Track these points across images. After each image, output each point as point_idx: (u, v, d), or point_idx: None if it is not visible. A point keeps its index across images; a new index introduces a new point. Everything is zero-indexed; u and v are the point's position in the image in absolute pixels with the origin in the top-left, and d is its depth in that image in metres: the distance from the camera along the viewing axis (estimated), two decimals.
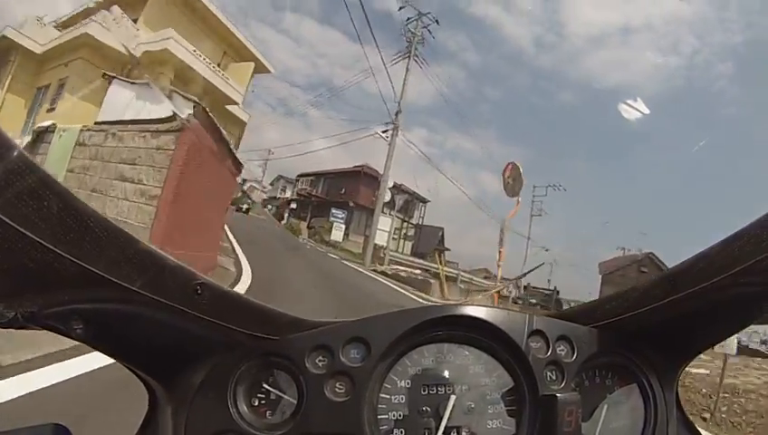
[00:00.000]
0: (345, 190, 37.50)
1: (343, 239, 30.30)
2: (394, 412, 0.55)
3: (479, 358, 0.60)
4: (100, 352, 0.44)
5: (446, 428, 0.54)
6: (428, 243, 40.50)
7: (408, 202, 38.65)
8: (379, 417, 0.54)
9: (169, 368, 0.51)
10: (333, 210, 30.82)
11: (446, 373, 0.58)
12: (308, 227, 35.76)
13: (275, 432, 0.52)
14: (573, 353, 0.60)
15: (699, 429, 0.65)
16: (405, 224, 38.40)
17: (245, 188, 68.64)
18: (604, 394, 0.62)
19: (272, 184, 57.74)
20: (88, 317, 0.39)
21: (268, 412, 0.54)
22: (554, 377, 0.58)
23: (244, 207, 36.46)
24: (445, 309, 0.58)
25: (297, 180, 44.38)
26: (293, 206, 42.36)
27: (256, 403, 0.54)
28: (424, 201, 41.64)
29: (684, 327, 0.58)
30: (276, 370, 0.55)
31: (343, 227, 30.33)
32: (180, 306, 0.42)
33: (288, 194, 47.45)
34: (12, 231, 0.29)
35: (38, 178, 0.30)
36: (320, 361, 0.54)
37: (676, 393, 0.63)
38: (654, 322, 0.57)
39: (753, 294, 0.48)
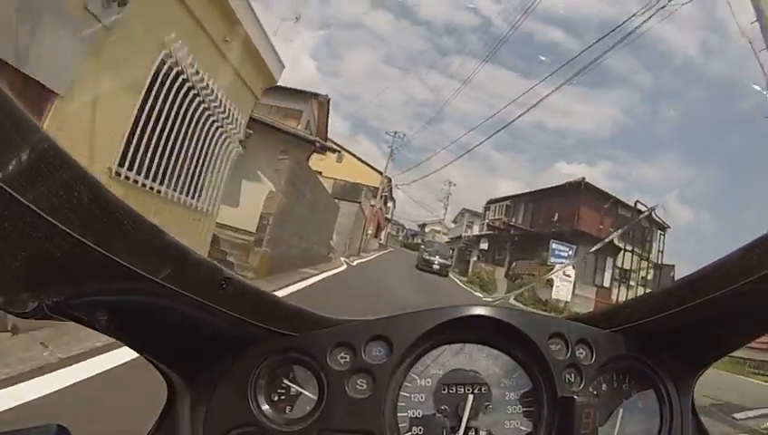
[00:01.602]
0: (559, 216, 25.11)
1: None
2: (414, 411, 0.56)
3: (499, 359, 0.60)
4: (123, 343, 0.44)
5: (464, 427, 0.55)
6: None
7: (645, 230, 24.04)
8: (398, 415, 0.55)
9: (190, 361, 0.51)
10: (555, 246, 18.72)
11: (466, 373, 0.58)
12: (507, 276, 24.25)
13: (295, 427, 0.52)
14: (592, 357, 0.59)
15: None
16: (642, 263, 23.79)
17: (427, 230, 61.85)
18: (621, 398, 0.62)
19: (455, 221, 48.05)
20: (112, 308, 0.39)
21: (288, 408, 0.54)
22: (573, 380, 0.58)
23: (435, 261, 24.39)
24: (466, 309, 0.58)
25: (487, 209, 33.23)
26: (484, 246, 31.17)
27: (276, 398, 0.55)
28: (663, 228, 25.96)
29: (702, 334, 0.57)
30: (297, 366, 0.55)
31: (572, 274, 17.86)
32: (204, 300, 0.42)
33: (476, 230, 36.63)
34: (41, 221, 0.29)
35: (70, 170, 0.30)
36: (342, 358, 0.54)
37: (692, 400, 0.63)
38: (672, 327, 0.57)
39: None
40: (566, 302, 17.31)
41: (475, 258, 31.40)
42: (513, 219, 28.86)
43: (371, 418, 0.53)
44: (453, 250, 33.23)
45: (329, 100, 22.80)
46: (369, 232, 32.46)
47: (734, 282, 0.46)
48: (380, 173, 35.45)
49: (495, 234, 29.59)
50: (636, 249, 22.75)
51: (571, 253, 18.59)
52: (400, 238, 67.03)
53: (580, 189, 24.33)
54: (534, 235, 25.20)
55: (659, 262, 24.35)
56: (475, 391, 0.58)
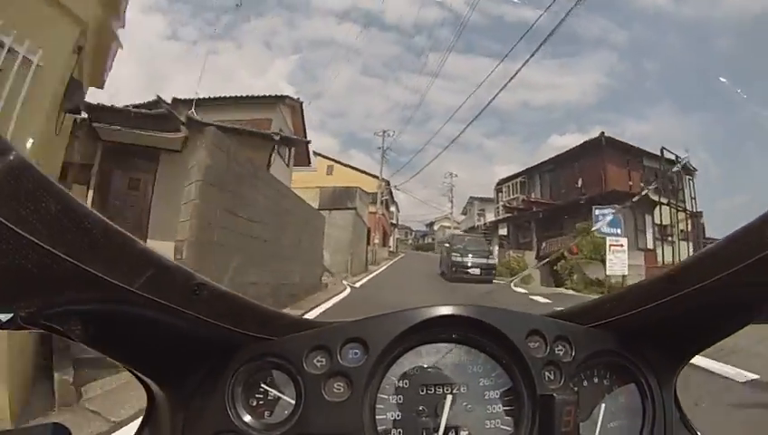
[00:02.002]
0: (583, 181, 22.03)
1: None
2: (392, 413, 0.56)
3: (477, 358, 0.59)
4: (99, 352, 0.44)
5: (444, 428, 0.55)
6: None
7: (674, 178, 21.07)
8: (377, 417, 0.55)
9: (168, 369, 0.51)
10: (597, 212, 15.35)
11: (444, 374, 0.58)
12: (539, 259, 21.12)
13: (273, 433, 0.52)
14: (571, 353, 0.59)
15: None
16: (677, 213, 20.85)
17: (436, 229, 58.79)
18: (602, 394, 0.62)
19: (464, 213, 44.99)
20: (86, 318, 0.39)
21: (266, 413, 0.54)
22: (552, 377, 0.58)
23: (469, 262, 16.16)
24: (443, 309, 0.58)
25: (498, 190, 30.07)
26: (503, 231, 27.99)
27: (255, 404, 0.54)
28: (691, 172, 22.80)
29: (683, 327, 0.57)
30: (274, 370, 0.55)
31: (624, 243, 14.66)
32: (178, 307, 0.42)
33: (491, 217, 33.48)
34: (9, 232, 0.29)
35: (35, 180, 0.30)
36: (318, 361, 0.54)
37: (675, 393, 0.63)
38: (653, 321, 0.57)
39: (753, 292, 0.47)
40: (624, 276, 14.11)
41: (496, 247, 28.20)
42: (532, 195, 25.78)
43: (349, 421, 0.52)
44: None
45: (301, 103, 20.05)
46: (376, 241, 29.76)
47: (714, 274, 0.45)
48: (376, 177, 32.96)
49: (515, 215, 26.44)
50: (671, 200, 19.80)
51: (614, 213, 15.28)
52: (410, 242, 64.13)
53: (601, 146, 21.27)
54: (561, 207, 22.09)
55: (694, 209, 21.29)
56: (454, 391, 0.57)
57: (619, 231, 14.82)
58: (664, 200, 20.13)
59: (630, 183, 21.36)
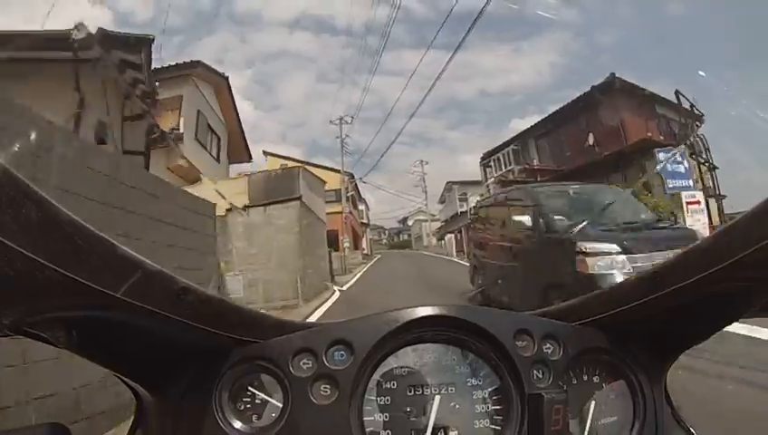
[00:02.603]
0: (595, 137, 17.54)
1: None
2: (380, 414, 0.56)
3: (465, 358, 0.60)
4: (86, 358, 0.44)
5: (432, 428, 0.55)
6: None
7: (689, 126, 16.82)
8: (364, 419, 0.55)
9: (155, 374, 0.51)
10: (662, 156, 10.71)
11: (432, 374, 0.58)
12: None
13: None
14: (560, 351, 0.59)
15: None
16: (701, 168, 16.45)
17: (410, 223, 54.14)
18: (592, 391, 0.62)
19: (441, 201, 40.27)
20: (72, 325, 0.39)
21: (254, 416, 0.54)
22: (541, 376, 0.58)
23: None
24: (428, 310, 0.58)
25: (486, 166, 25.12)
26: None
27: (242, 408, 0.55)
28: (700, 119, 18.66)
29: (670, 324, 0.58)
30: (261, 374, 0.55)
31: (700, 198, 10.05)
32: (163, 312, 0.42)
33: (475, 201, 28.77)
34: None
35: (15, 186, 0.29)
36: (304, 364, 0.54)
37: (665, 388, 0.63)
38: (640, 319, 0.57)
39: (741, 288, 0.47)
40: None
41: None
42: (529, 161, 21.10)
43: (337, 423, 0.52)
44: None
45: (227, 78, 14.87)
46: (347, 245, 24.65)
47: (703, 270, 0.45)
48: (338, 171, 27.98)
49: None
50: (693, 153, 15.68)
51: (683, 157, 10.47)
52: (384, 241, 59.27)
53: (612, 91, 16.73)
54: (578, 171, 17.47)
55: (711, 162, 17.15)
56: (442, 392, 0.57)
57: (690, 183, 10.17)
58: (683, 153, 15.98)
59: (649, 134, 17.01)
